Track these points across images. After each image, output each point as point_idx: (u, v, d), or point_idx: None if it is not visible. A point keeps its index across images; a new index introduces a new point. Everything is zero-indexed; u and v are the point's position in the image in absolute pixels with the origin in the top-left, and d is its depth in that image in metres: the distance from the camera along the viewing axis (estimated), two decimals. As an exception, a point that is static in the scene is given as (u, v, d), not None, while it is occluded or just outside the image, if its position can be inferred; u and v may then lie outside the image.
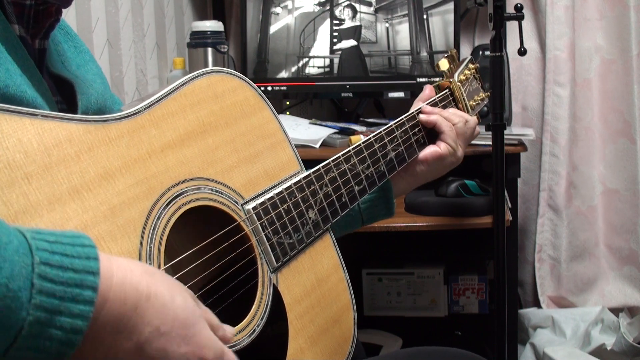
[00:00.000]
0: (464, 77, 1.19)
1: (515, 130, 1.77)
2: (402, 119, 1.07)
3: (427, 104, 1.12)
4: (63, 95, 0.78)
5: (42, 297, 0.47)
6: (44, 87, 0.71)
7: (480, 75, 1.25)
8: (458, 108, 1.17)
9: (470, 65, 1.22)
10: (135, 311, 0.52)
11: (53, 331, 0.47)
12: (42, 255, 0.48)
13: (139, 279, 0.53)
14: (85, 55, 0.87)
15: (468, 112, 1.18)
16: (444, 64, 1.18)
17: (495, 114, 1.26)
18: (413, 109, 1.12)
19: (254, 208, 0.81)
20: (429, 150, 1.10)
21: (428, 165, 1.10)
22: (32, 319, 0.46)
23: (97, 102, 0.81)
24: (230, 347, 0.73)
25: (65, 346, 0.48)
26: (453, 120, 1.10)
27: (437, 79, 1.18)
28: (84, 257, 0.50)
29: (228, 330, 0.63)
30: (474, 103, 1.21)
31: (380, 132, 1.03)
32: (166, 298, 0.55)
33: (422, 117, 1.10)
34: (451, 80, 1.17)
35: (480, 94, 1.24)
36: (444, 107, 1.15)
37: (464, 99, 1.18)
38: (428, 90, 1.15)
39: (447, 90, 1.17)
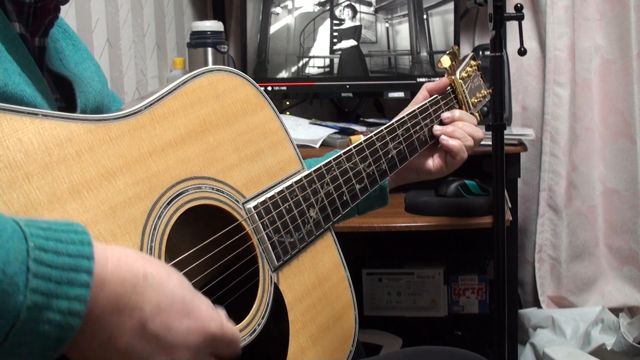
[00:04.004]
0: (465, 74, 1.18)
1: (515, 130, 1.77)
2: (404, 117, 1.07)
3: (428, 102, 1.11)
4: (62, 93, 0.77)
5: (38, 281, 0.47)
6: (43, 85, 0.71)
7: (482, 72, 1.25)
8: (460, 105, 1.17)
9: (472, 62, 1.22)
10: (134, 290, 0.53)
11: (51, 315, 0.47)
12: (36, 241, 0.48)
13: (134, 261, 0.54)
14: (83, 53, 0.87)
15: (470, 109, 1.18)
16: (445, 61, 1.17)
17: (495, 114, 1.26)
18: (416, 103, 1.12)
19: (255, 207, 0.81)
20: (439, 164, 1.12)
21: (430, 174, 1.14)
22: (30, 302, 0.46)
23: (95, 99, 0.81)
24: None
25: (64, 330, 0.48)
26: (468, 145, 1.11)
27: (437, 79, 1.17)
28: (78, 243, 0.50)
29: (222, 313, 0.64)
30: (476, 100, 1.20)
31: (382, 130, 1.02)
32: (163, 276, 0.56)
33: (444, 141, 1.10)
34: (453, 77, 1.16)
35: (482, 91, 1.23)
36: (446, 104, 1.15)
37: (465, 96, 1.17)
38: (443, 82, 1.15)
39: (449, 87, 1.17)
